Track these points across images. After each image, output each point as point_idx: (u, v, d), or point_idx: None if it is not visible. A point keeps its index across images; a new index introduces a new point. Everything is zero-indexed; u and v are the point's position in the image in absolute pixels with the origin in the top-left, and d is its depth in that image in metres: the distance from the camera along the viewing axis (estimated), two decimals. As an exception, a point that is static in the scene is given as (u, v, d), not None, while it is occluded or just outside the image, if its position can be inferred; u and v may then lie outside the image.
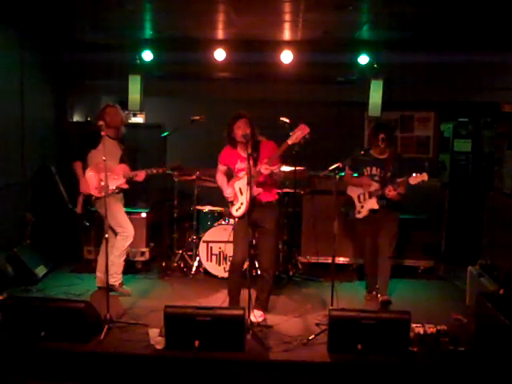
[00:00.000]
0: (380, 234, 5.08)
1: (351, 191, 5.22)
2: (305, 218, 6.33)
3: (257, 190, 4.48)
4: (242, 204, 4.56)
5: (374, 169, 5.03)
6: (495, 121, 8.46)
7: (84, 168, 5.17)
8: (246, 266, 4.60)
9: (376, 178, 5.01)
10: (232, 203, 4.66)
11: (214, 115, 5.80)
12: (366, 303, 5.27)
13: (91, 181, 5.11)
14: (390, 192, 4.83)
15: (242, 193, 4.58)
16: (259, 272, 4.92)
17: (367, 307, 5.07)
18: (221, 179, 4.78)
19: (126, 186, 5.24)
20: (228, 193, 4.65)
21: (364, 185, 5.08)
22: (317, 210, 6.20)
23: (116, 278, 5.28)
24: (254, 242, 5.24)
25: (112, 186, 5.11)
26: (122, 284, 5.33)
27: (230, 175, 4.77)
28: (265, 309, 4.75)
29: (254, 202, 4.46)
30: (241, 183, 4.58)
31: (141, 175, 5.20)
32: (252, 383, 3.88)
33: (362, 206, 5.09)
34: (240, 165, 4.61)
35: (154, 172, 5.27)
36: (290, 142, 4.33)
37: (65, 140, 7.02)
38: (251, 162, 4.37)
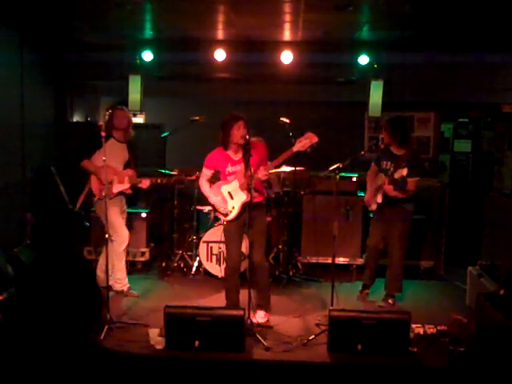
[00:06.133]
0: (389, 233, 5.11)
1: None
2: (305, 218, 6.33)
3: (252, 195, 4.41)
4: (233, 208, 4.52)
5: (389, 163, 5.05)
6: (495, 121, 8.45)
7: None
8: (243, 267, 4.53)
9: (388, 173, 4.99)
10: (220, 209, 4.57)
11: (214, 115, 5.78)
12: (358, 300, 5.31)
13: (94, 182, 5.07)
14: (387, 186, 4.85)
15: (232, 197, 4.53)
16: (253, 269, 4.70)
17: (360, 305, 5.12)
18: (206, 186, 4.65)
19: (129, 192, 5.22)
20: (217, 203, 4.55)
21: (368, 188, 5.20)
22: (317, 210, 6.20)
23: (122, 284, 5.29)
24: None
25: (116, 190, 5.09)
26: (130, 288, 5.34)
27: (213, 179, 4.70)
28: (268, 307, 4.69)
29: (246, 206, 4.41)
30: (230, 187, 4.53)
31: (145, 183, 5.15)
32: (252, 383, 3.89)
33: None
34: (231, 168, 4.54)
35: (159, 182, 5.26)
36: (295, 149, 4.29)
37: (65, 140, 7.02)
38: (243, 165, 4.38)
